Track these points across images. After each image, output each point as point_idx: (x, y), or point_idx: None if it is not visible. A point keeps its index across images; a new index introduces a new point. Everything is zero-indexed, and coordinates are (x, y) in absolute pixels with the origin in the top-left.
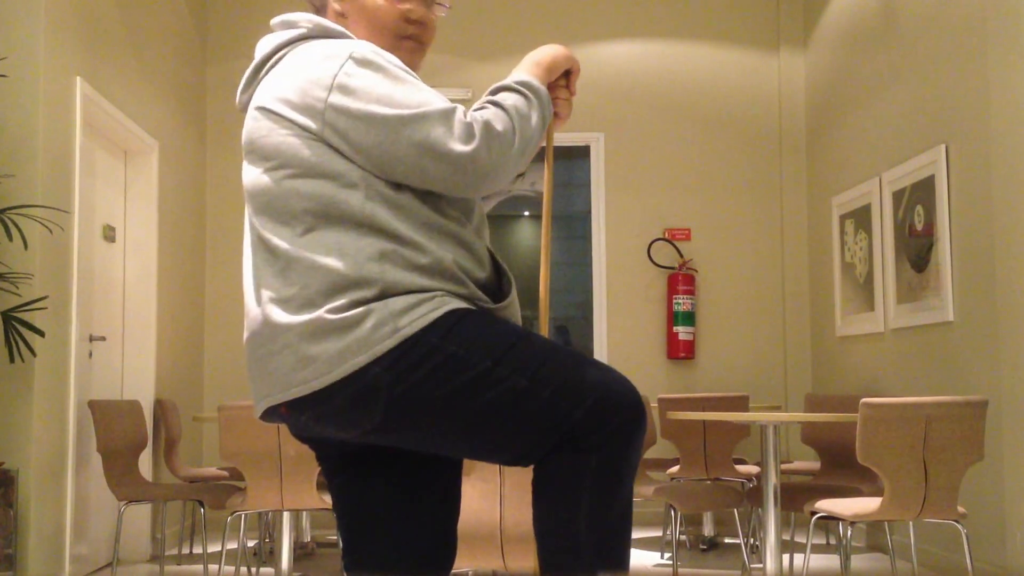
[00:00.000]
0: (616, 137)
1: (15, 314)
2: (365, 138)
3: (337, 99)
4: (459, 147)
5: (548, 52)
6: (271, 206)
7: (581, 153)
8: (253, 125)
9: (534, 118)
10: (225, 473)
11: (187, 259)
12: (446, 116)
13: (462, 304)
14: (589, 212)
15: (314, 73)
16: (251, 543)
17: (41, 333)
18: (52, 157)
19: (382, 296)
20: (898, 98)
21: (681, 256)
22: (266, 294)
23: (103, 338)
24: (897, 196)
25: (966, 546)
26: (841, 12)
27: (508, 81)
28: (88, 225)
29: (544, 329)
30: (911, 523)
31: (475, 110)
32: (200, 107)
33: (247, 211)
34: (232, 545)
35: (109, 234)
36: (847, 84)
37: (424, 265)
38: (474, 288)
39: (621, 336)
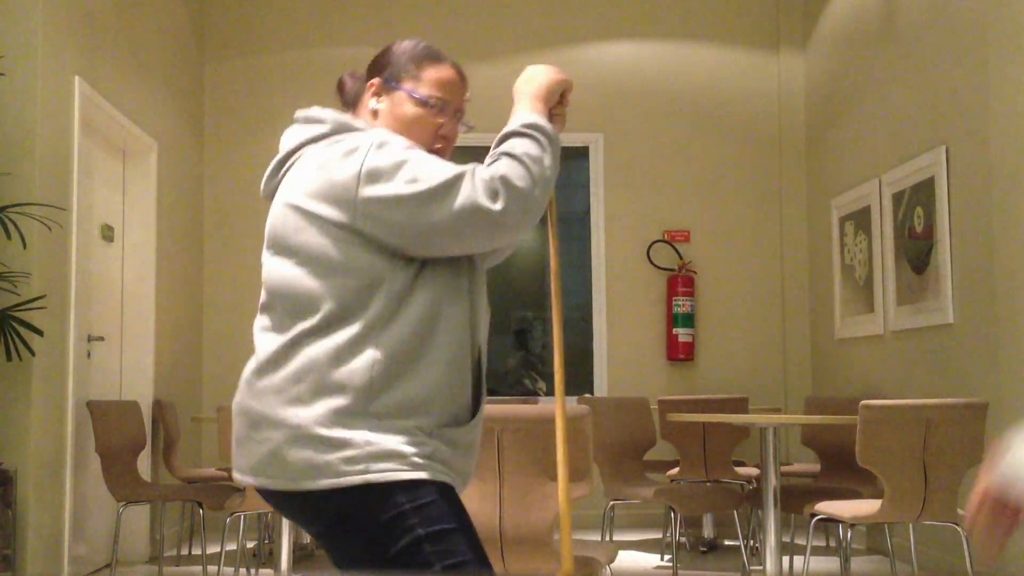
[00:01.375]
0: (615, 138)
1: (13, 313)
2: (400, 216)
3: (367, 189)
4: (488, 205)
5: (543, 82)
6: (289, 299)
7: (580, 154)
8: (282, 221)
9: (547, 160)
10: (224, 474)
11: (186, 259)
12: (469, 179)
13: (431, 471)
14: (588, 213)
15: (342, 168)
16: (250, 544)
17: (39, 332)
18: (50, 156)
19: (364, 413)
20: (898, 99)
21: (680, 258)
22: (262, 382)
23: (101, 338)
24: (897, 198)
25: (966, 549)
26: (841, 13)
27: (515, 125)
28: (86, 224)
29: (558, 339)
30: (911, 525)
31: (489, 164)
32: (198, 107)
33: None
34: (231, 546)
35: (108, 234)
36: (847, 85)
37: (407, 386)
38: (446, 418)
39: (620, 338)
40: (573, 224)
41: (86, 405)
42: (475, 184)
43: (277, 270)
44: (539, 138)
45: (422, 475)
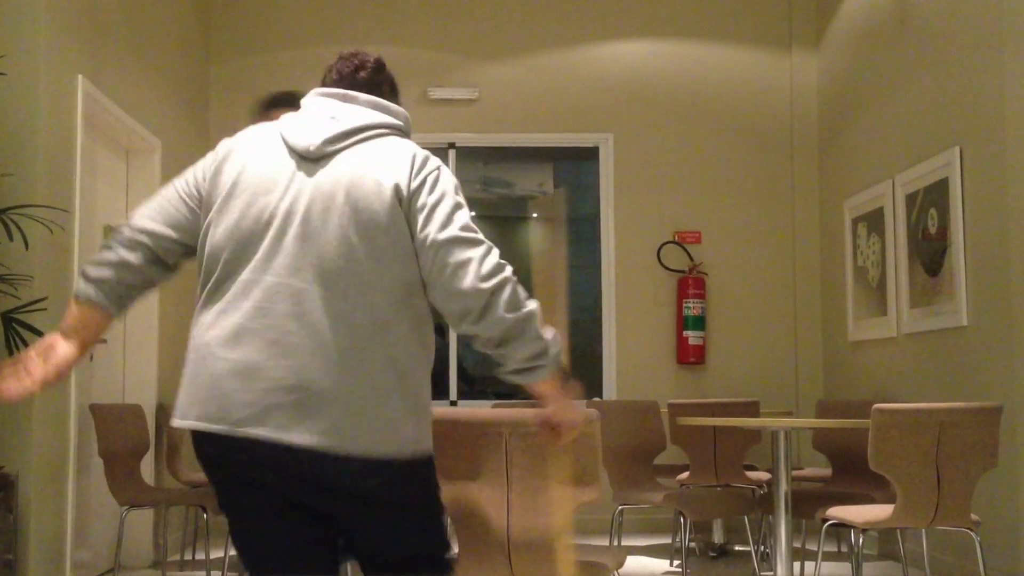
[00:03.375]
0: (625, 138)
1: (15, 316)
2: (422, 230)
3: (425, 195)
4: (479, 281)
5: (568, 417)
6: (366, 263)
7: (590, 154)
8: (361, 186)
9: (527, 337)
10: None
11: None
12: (489, 249)
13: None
14: (597, 214)
15: (415, 163)
16: None
17: (41, 335)
18: (53, 156)
19: (414, 395)
20: (912, 99)
21: (691, 259)
22: (344, 357)
23: (104, 340)
24: (910, 199)
25: (979, 554)
26: (854, 12)
27: (540, 360)
28: (89, 225)
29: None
30: (924, 531)
31: (515, 283)
32: (203, 106)
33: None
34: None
35: (110, 235)
36: (860, 85)
37: (426, 363)
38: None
39: (630, 340)
40: (582, 225)
41: (89, 408)
42: (489, 256)
43: (346, 241)
44: (544, 357)
45: (431, 452)
